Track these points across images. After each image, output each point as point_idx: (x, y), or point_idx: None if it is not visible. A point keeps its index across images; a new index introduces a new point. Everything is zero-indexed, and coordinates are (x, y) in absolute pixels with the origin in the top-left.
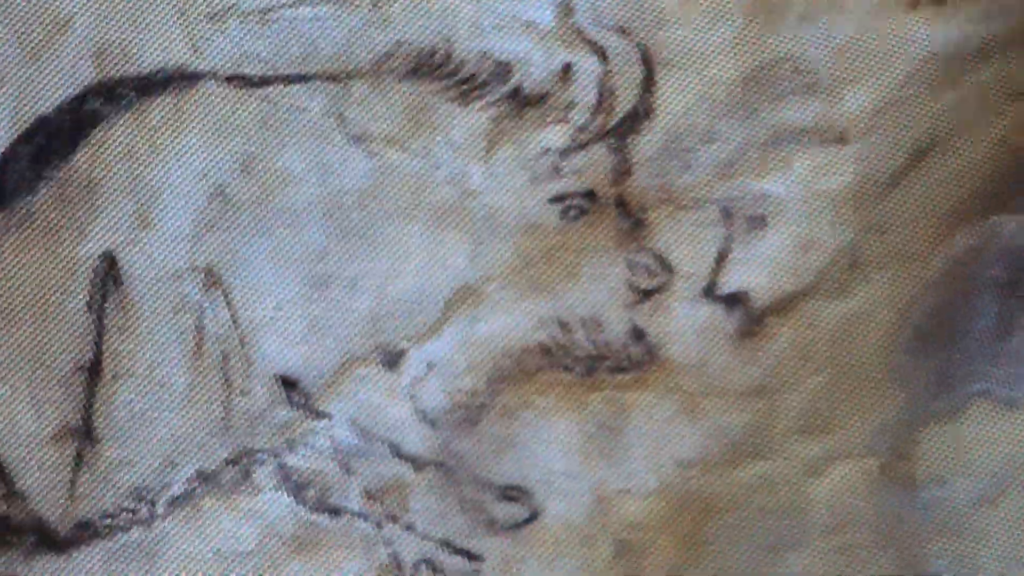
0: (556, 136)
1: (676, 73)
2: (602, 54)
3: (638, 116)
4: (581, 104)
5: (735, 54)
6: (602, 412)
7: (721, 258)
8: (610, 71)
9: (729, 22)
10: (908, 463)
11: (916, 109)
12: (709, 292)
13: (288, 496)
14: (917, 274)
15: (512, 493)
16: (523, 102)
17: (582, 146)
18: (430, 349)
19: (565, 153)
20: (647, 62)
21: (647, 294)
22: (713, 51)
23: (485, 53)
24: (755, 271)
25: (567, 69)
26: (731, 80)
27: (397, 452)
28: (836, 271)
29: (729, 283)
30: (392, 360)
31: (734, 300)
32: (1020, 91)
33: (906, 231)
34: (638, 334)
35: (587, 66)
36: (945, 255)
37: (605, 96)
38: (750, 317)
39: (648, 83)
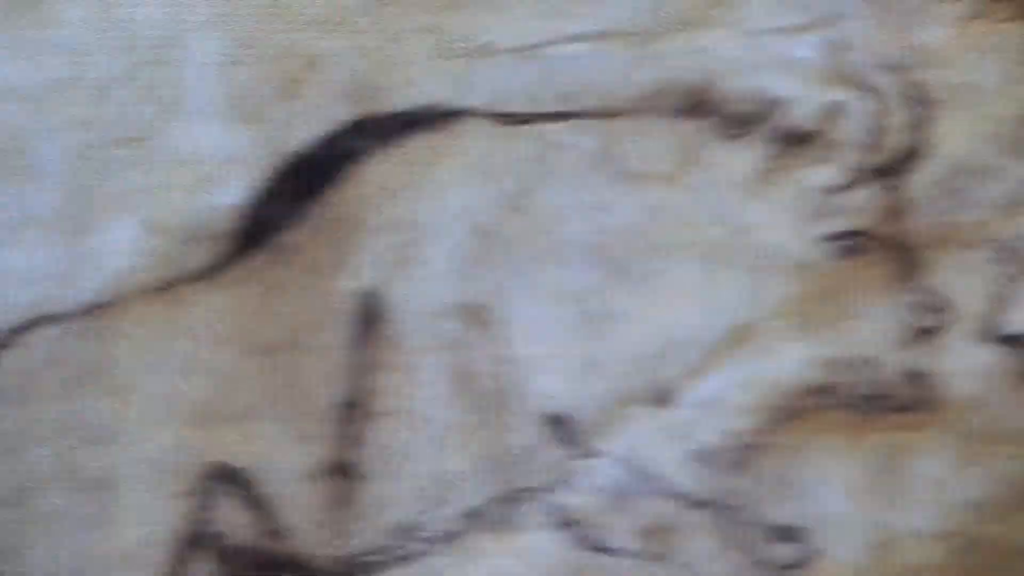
0: (827, 174)
1: (951, 112)
2: (874, 92)
3: (913, 155)
4: (852, 143)
5: (1009, 91)
6: (883, 453)
7: (1002, 298)
8: (882, 110)
9: (1001, 61)
10: None
11: None
12: (991, 332)
13: (559, 534)
14: None
15: (790, 534)
16: (792, 140)
17: (854, 185)
18: (703, 388)
19: (837, 191)
20: (921, 101)
21: (926, 333)
22: (993, 88)
23: (751, 91)
24: None
25: (838, 107)
26: (1009, 117)
27: (669, 491)
28: None
29: (1012, 324)
30: (665, 398)
31: (1016, 341)
32: None
33: None
34: (916, 374)
35: (859, 105)
36: None
37: (878, 135)
38: None
39: (924, 121)
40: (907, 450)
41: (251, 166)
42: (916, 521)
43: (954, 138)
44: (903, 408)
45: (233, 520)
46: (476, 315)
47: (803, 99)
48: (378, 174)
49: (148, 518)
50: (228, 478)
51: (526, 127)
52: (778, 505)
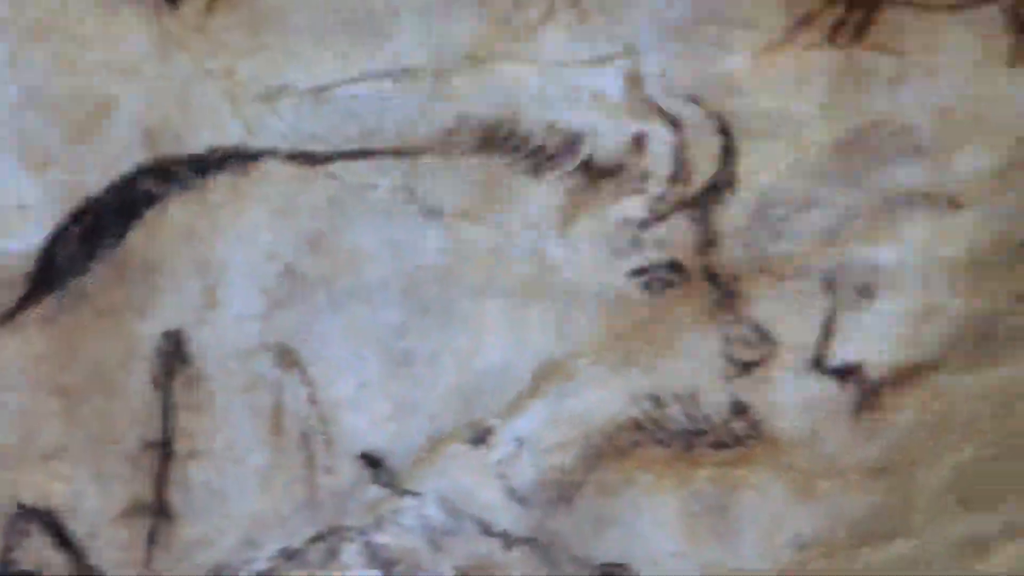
0: (634, 208)
1: (761, 141)
2: (675, 124)
3: (720, 186)
4: (657, 175)
5: (826, 119)
6: (708, 490)
7: (828, 329)
8: (685, 141)
9: (812, 88)
10: None
11: None
12: (818, 365)
13: (378, 574)
14: None
15: (614, 571)
16: (597, 174)
17: (661, 217)
18: (519, 426)
19: (644, 224)
20: (724, 131)
21: (747, 367)
22: (800, 118)
23: (553, 125)
24: (867, 343)
25: (639, 140)
26: (828, 145)
27: (487, 530)
28: (968, 341)
29: (839, 355)
30: (480, 437)
31: (846, 373)
32: None
33: None
34: (740, 408)
35: (660, 136)
36: None
37: (681, 166)
38: (865, 391)
39: (728, 152)
40: (736, 486)
41: (44, 211)
42: (746, 559)
43: (763, 168)
44: (728, 443)
45: (43, 560)
46: (284, 356)
47: (605, 132)
48: (176, 217)
49: None
50: (37, 518)
51: (326, 167)
52: (603, 543)
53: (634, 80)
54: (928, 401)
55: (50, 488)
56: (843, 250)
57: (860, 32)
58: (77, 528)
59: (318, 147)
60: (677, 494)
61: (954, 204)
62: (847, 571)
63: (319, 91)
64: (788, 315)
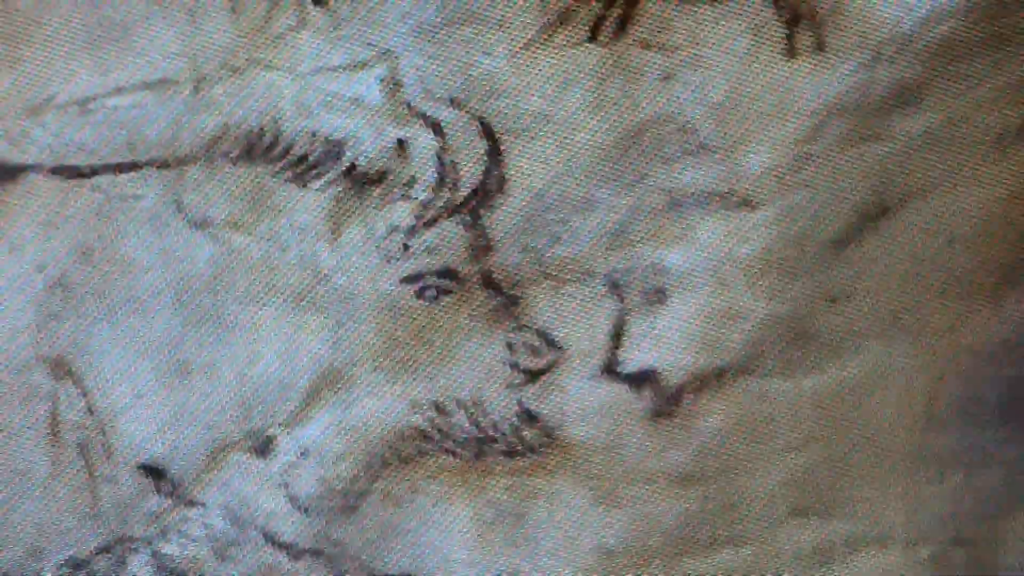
0: (401, 214)
1: (529, 143)
2: (436, 128)
3: (489, 190)
4: (422, 180)
5: (598, 118)
6: (501, 498)
7: (617, 334)
8: (448, 145)
9: (578, 86)
10: (989, 551)
11: (839, 167)
12: (609, 370)
13: None
14: (943, 344)
15: None
16: (362, 180)
17: (430, 223)
18: (302, 435)
19: (412, 231)
20: (488, 134)
21: (534, 374)
22: (569, 117)
23: (314, 132)
24: (662, 347)
25: (401, 145)
26: (602, 145)
27: (273, 540)
28: (779, 344)
29: (632, 360)
30: (263, 447)
31: (641, 378)
32: (1004, 134)
33: (874, 300)
34: (530, 416)
35: (422, 141)
36: (979, 326)
37: (447, 171)
38: (663, 396)
39: (494, 155)
40: (532, 494)
41: None
42: (546, 567)
43: (534, 170)
44: (519, 452)
45: None
46: (59, 367)
47: (366, 139)
48: None
49: None
50: None
51: (90, 180)
52: (391, 553)
53: (392, 84)
54: (739, 406)
55: None
56: (628, 252)
57: (622, 28)
58: None
59: (83, 159)
60: (469, 503)
61: (748, 204)
62: None
63: (82, 103)
64: (573, 320)
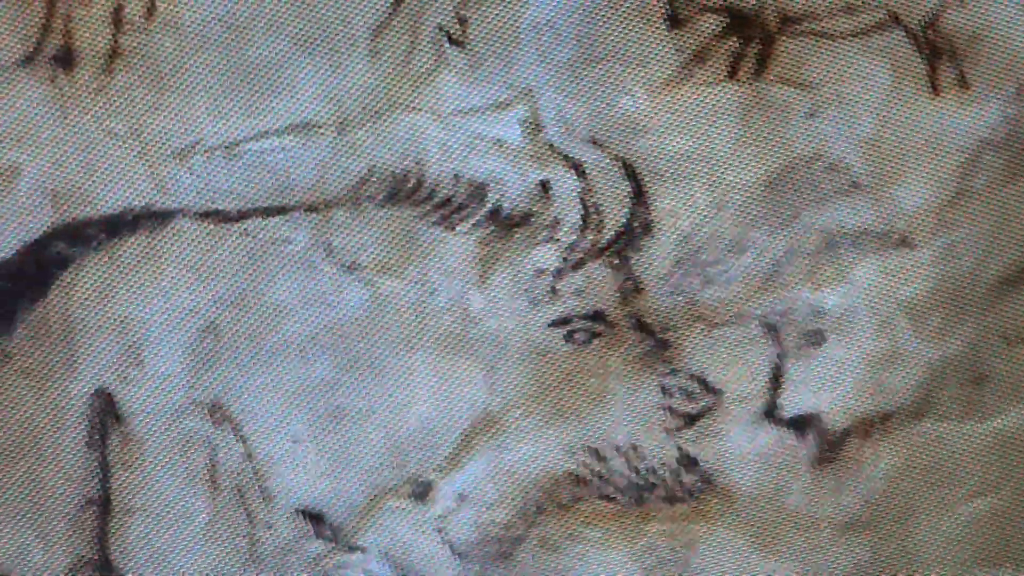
0: (547, 257)
1: (675, 184)
2: (579, 169)
3: (635, 232)
4: (567, 222)
5: (744, 157)
6: (661, 545)
7: (775, 377)
8: (590, 186)
9: (722, 125)
10: None
11: (1000, 202)
12: (770, 415)
13: None
14: None
15: None
16: (507, 223)
17: (576, 266)
18: (459, 480)
19: (560, 274)
20: (631, 174)
21: (691, 418)
22: (715, 156)
23: (458, 175)
24: (824, 391)
25: (544, 187)
26: (752, 185)
27: None
28: (953, 387)
29: (793, 405)
30: (421, 492)
31: (803, 423)
32: None
33: None
34: (689, 461)
35: (566, 183)
36: None
37: (590, 212)
38: (826, 441)
39: (639, 196)
40: (691, 542)
41: None
42: None
43: (682, 211)
44: (679, 498)
45: None
46: (215, 412)
47: (509, 180)
48: (91, 278)
49: None
50: None
51: (240, 224)
52: None
53: (533, 125)
54: (910, 450)
55: None
56: (783, 294)
57: (762, 65)
58: None
59: (232, 204)
60: (629, 549)
61: (907, 244)
62: None
63: (229, 147)
64: (728, 363)
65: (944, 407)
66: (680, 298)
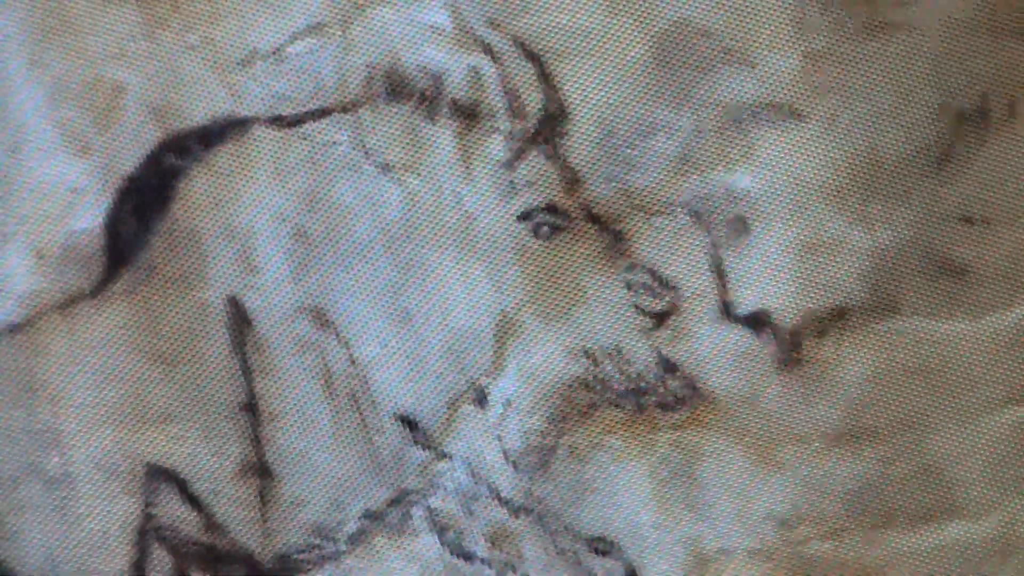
0: (497, 147)
1: (574, 62)
2: (490, 52)
3: (554, 116)
4: (499, 109)
5: (626, 28)
6: (671, 456)
7: (718, 271)
8: (505, 71)
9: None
10: None
11: (870, 65)
12: (727, 312)
13: (435, 538)
14: None
15: (601, 546)
16: (465, 113)
17: (519, 155)
18: (503, 385)
19: (509, 165)
20: (531, 55)
21: (659, 317)
22: (596, 29)
23: (421, 66)
24: (763, 285)
25: (476, 73)
26: (644, 59)
27: (497, 496)
28: (916, 279)
29: (743, 301)
30: (481, 397)
31: (757, 321)
32: None
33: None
34: (669, 365)
35: (486, 67)
36: None
37: (511, 98)
38: (782, 340)
39: (545, 78)
40: (696, 453)
41: (95, 193)
42: (726, 535)
43: (586, 92)
44: (672, 405)
45: (178, 516)
46: (318, 317)
47: (450, 68)
48: (201, 188)
49: (103, 511)
50: (165, 476)
51: (298, 129)
52: (585, 512)
53: (454, 8)
54: (888, 352)
55: (170, 449)
56: (700, 178)
57: None
58: (200, 486)
59: (288, 108)
60: (644, 459)
61: (796, 114)
62: (876, 557)
63: (275, 52)
64: (672, 256)
65: (915, 303)
66: (614, 185)
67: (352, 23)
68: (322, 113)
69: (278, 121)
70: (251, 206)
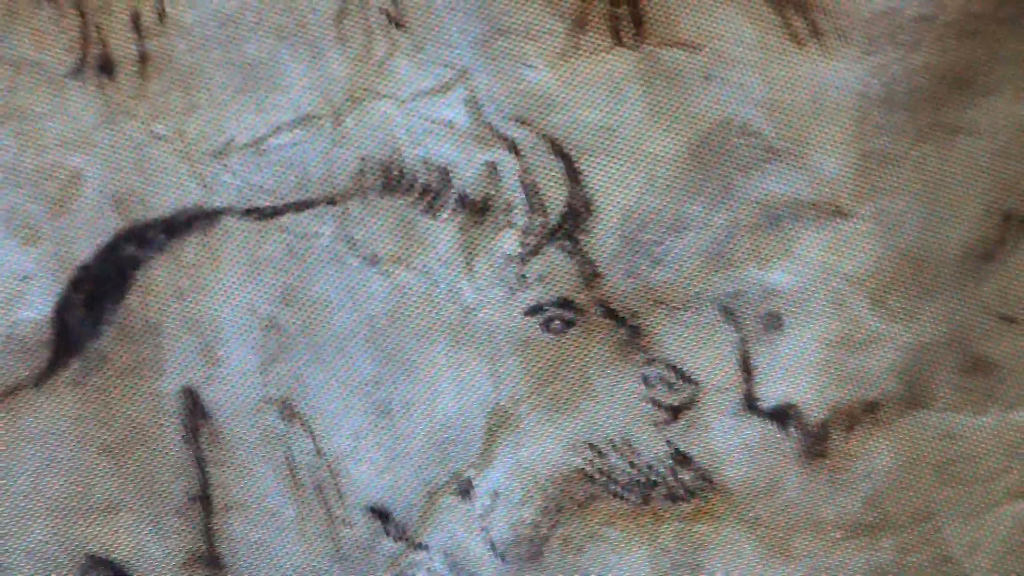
0: (510, 242)
1: (603, 159)
2: (514, 149)
3: (578, 211)
4: (516, 205)
5: (660, 127)
6: (674, 547)
7: (745, 366)
8: (527, 166)
9: (627, 94)
10: None
11: (924, 165)
12: (751, 407)
13: None
14: None
15: None
16: (474, 208)
17: (534, 251)
18: (491, 477)
19: (523, 260)
20: (559, 151)
21: (675, 410)
22: (631, 128)
23: (426, 160)
24: (793, 379)
25: (492, 169)
26: (676, 156)
27: None
28: (949, 374)
29: (769, 395)
30: (465, 490)
31: (783, 415)
32: None
33: None
34: (682, 457)
35: (507, 163)
36: None
37: (531, 194)
38: (809, 434)
39: (572, 173)
40: (702, 544)
41: (45, 281)
42: None
43: (614, 188)
44: (681, 496)
45: None
46: (285, 409)
47: (463, 163)
48: (162, 279)
49: None
50: (105, 567)
51: (276, 221)
52: None
53: (473, 105)
54: (914, 444)
55: (114, 539)
56: (732, 274)
57: (640, 27)
58: None
59: (267, 200)
60: (645, 550)
61: (840, 213)
62: None
63: (255, 144)
64: (697, 351)
65: (947, 398)
66: (635, 281)
67: (346, 116)
68: (305, 205)
69: (253, 212)
70: (217, 298)
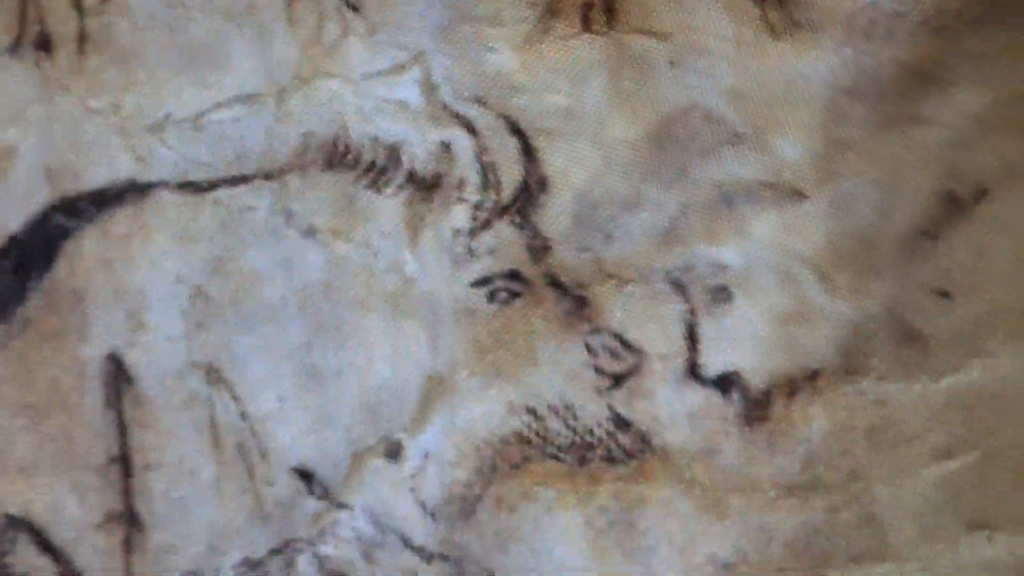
0: (460, 217)
1: (562, 141)
2: (470, 128)
3: (532, 190)
4: (469, 182)
5: (623, 112)
6: (611, 506)
7: (691, 336)
8: (484, 145)
9: (592, 79)
10: None
11: (886, 153)
12: (693, 374)
13: None
14: None
15: None
16: (424, 184)
17: (485, 225)
18: (423, 440)
19: (472, 234)
20: (517, 131)
21: (618, 378)
22: (594, 112)
23: (375, 138)
24: (740, 349)
25: (446, 147)
26: (636, 140)
27: (408, 544)
28: (885, 345)
29: (713, 363)
30: (394, 452)
31: (726, 382)
32: None
33: (991, 295)
34: (622, 421)
35: (462, 142)
36: None
37: (488, 171)
38: (750, 400)
39: (528, 153)
40: (639, 502)
41: None
42: None
43: (571, 169)
44: (619, 458)
45: (32, 565)
46: (211, 373)
47: (415, 142)
48: (90, 249)
49: None
50: (24, 527)
51: (212, 194)
52: (509, 558)
53: (428, 86)
54: (849, 411)
55: (31, 499)
56: (684, 250)
57: (612, 16)
58: (61, 536)
59: (202, 174)
60: (580, 510)
61: (798, 194)
62: None
63: (194, 119)
64: (644, 321)
65: (882, 367)
66: (587, 255)
67: (292, 95)
68: (241, 179)
69: (188, 186)
70: (145, 267)
